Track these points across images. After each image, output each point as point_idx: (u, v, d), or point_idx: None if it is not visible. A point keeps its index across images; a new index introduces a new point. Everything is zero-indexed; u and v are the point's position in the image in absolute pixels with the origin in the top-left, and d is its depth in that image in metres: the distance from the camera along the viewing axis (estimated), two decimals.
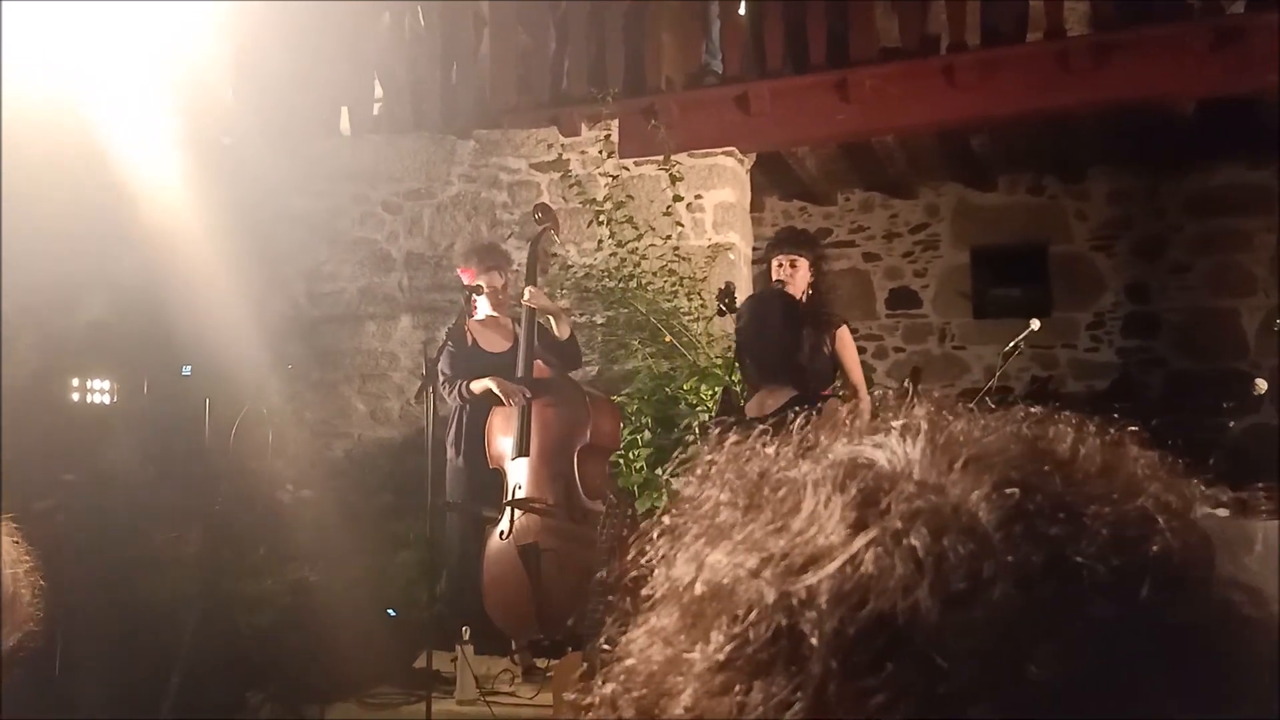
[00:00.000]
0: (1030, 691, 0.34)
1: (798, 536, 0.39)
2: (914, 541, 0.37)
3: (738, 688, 0.37)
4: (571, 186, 6.18)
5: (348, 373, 6.67)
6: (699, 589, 0.40)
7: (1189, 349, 7.29)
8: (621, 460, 5.26)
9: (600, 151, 6.21)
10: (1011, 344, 4.60)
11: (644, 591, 0.43)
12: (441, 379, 4.78)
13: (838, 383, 4.48)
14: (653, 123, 6.03)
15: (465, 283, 5.04)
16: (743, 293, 4.58)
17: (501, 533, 4.69)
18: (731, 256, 6.06)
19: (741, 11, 6.32)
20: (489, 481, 4.83)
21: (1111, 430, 0.44)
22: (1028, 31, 5.91)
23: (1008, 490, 0.38)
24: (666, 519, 0.45)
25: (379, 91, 6.92)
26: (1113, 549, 0.36)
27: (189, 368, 5.68)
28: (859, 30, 5.92)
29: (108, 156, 6.09)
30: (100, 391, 5.57)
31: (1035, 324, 4.67)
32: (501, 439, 4.79)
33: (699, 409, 5.32)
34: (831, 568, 0.37)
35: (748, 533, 0.40)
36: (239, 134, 6.81)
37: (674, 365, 5.70)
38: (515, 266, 5.49)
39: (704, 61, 6.27)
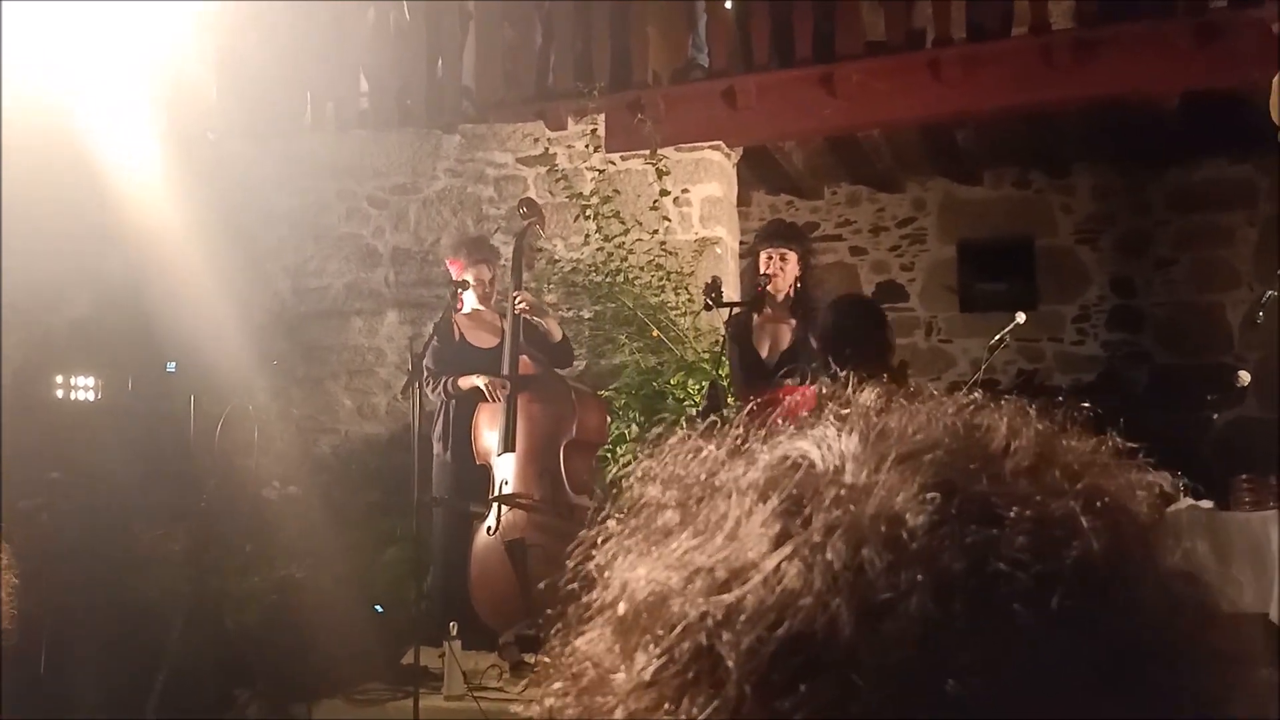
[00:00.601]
0: (948, 706, 0.33)
1: (721, 550, 0.38)
2: (831, 555, 0.36)
3: (665, 708, 0.36)
4: (558, 181, 6.17)
5: (334, 369, 6.65)
6: (623, 607, 0.39)
7: (1174, 343, 7.33)
8: (609, 455, 5.26)
9: (586, 146, 6.20)
10: (997, 337, 4.62)
11: (586, 600, 0.42)
12: (426, 373, 4.77)
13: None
14: (639, 117, 6.02)
15: (453, 276, 5.03)
16: (730, 287, 4.59)
17: (489, 528, 4.68)
18: (719, 251, 6.06)
19: (728, 5, 6.32)
20: (476, 477, 4.82)
21: (1053, 418, 0.43)
22: (1013, 27, 5.93)
23: (929, 495, 0.37)
24: (610, 523, 0.44)
25: (364, 86, 6.89)
26: (1034, 553, 0.35)
27: (174, 364, 5.66)
28: (845, 25, 5.93)
29: (91, 154, 6.05)
30: (85, 389, 5.54)
31: (1021, 317, 4.69)
32: (488, 435, 4.79)
33: (686, 403, 5.32)
34: (749, 585, 0.36)
35: (676, 544, 0.40)
36: (223, 130, 6.78)
37: (661, 360, 5.70)
38: (503, 261, 5.48)
39: (690, 56, 6.27)
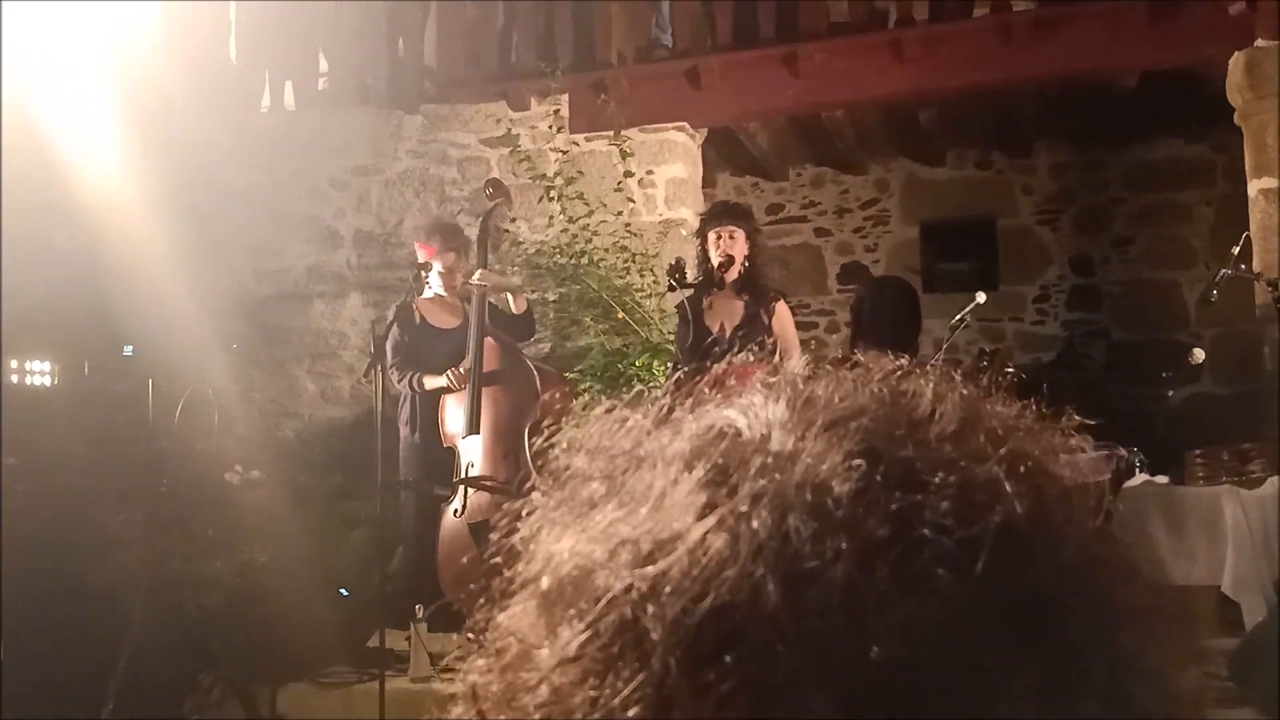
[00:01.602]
0: (872, 673, 0.33)
1: (646, 521, 0.38)
2: (756, 525, 0.36)
3: (590, 682, 0.36)
4: (521, 162, 6.13)
5: (296, 352, 6.59)
6: (546, 581, 0.39)
7: (1131, 320, 7.44)
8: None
9: (550, 126, 6.17)
10: (957, 318, 4.65)
11: (511, 574, 0.42)
12: (390, 362, 4.75)
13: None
14: (602, 98, 6.00)
15: (421, 258, 5.00)
16: (693, 268, 4.58)
17: (455, 510, 4.68)
18: (684, 232, 6.05)
19: None
20: (442, 460, 4.81)
21: (979, 384, 0.43)
22: (974, 6, 5.96)
23: (854, 462, 0.37)
24: (536, 495, 0.43)
25: (324, 65, 6.81)
26: (958, 518, 0.35)
27: (130, 348, 5.58)
28: (808, 4, 5.93)
29: (44, 133, 5.94)
30: (40, 374, 5.45)
31: (981, 297, 4.72)
32: (454, 417, 4.78)
33: (652, 385, 5.33)
34: (674, 556, 0.36)
35: (601, 516, 0.39)
36: (180, 108, 6.67)
37: (627, 342, 5.70)
38: (472, 248, 5.45)
39: (653, 36, 6.24)
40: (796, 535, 0.35)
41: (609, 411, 0.45)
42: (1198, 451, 4.09)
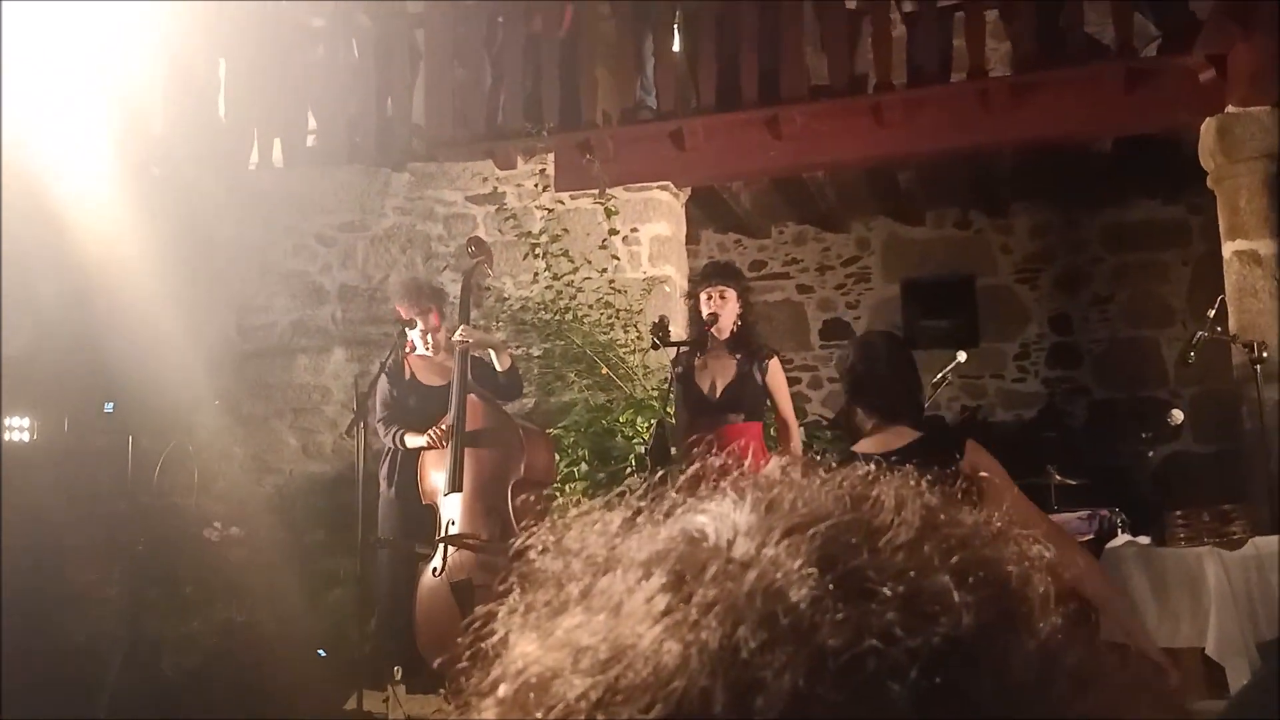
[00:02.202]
0: None
1: (604, 627, 0.39)
2: (705, 634, 0.36)
3: None
4: (507, 219, 6.19)
5: (279, 406, 6.56)
6: (504, 689, 0.40)
7: (1111, 379, 7.50)
8: (558, 494, 5.24)
9: (536, 185, 6.23)
10: (939, 375, 4.70)
11: (482, 674, 0.42)
12: (377, 418, 4.73)
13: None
14: (588, 157, 6.07)
15: (402, 315, 5.00)
16: (678, 325, 4.61)
17: (435, 569, 4.63)
18: (667, 289, 6.10)
19: (675, 49, 6.41)
20: (422, 517, 4.77)
21: (951, 486, 0.44)
22: (951, 72, 6.09)
23: (807, 571, 0.38)
24: (513, 596, 0.44)
25: (313, 123, 6.87)
26: (904, 629, 0.36)
27: (111, 404, 5.55)
28: (790, 69, 6.04)
29: (34, 186, 5.95)
30: (19, 429, 5.42)
31: (962, 356, 4.78)
32: (435, 474, 4.75)
33: (635, 441, 5.33)
34: (625, 663, 0.37)
35: (566, 621, 0.40)
36: (169, 164, 6.71)
37: (611, 397, 5.71)
38: (451, 300, 5.47)
39: (638, 97, 6.34)
40: (745, 645, 0.36)
41: (585, 513, 0.46)
42: (1179, 512, 4.11)
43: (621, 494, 0.47)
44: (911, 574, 0.38)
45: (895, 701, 0.35)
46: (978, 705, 0.36)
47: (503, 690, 0.40)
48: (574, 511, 0.47)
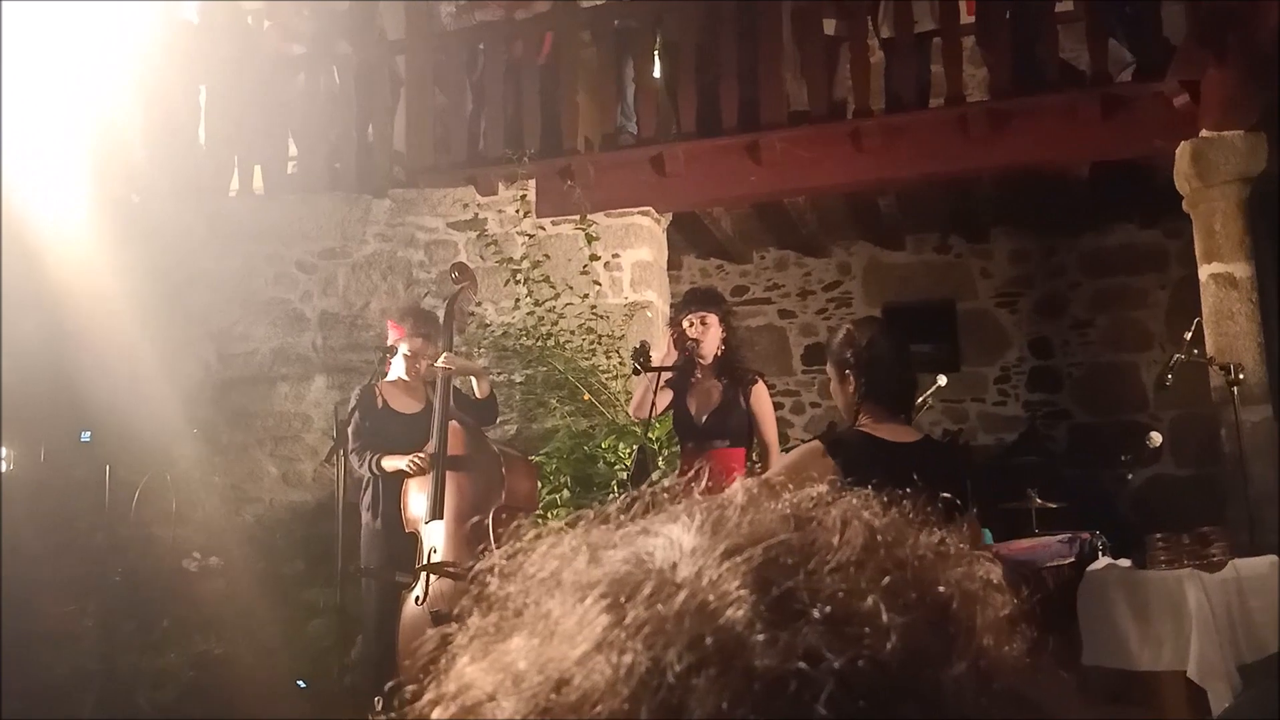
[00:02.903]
0: None
1: (540, 650, 0.39)
2: (630, 657, 0.37)
3: None
4: (488, 246, 6.18)
5: (259, 435, 6.52)
6: (438, 712, 0.40)
7: (1091, 402, 7.54)
8: (541, 521, 5.20)
9: (517, 211, 6.24)
10: (920, 399, 4.69)
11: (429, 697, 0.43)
12: (351, 446, 4.70)
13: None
14: (569, 183, 6.09)
15: (390, 338, 4.99)
16: (658, 351, 4.61)
17: (417, 598, 4.59)
18: (649, 315, 6.11)
19: (656, 75, 6.45)
20: (404, 545, 4.74)
21: (901, 508, 0.44)
22: (930, 98, 6.14)
23: (741, 592, 0.38)
24: (473, 619, 0.45)
25: (293, 150, 6.87)
26: (834, 650, 0.36)
27: (89, 433, 5.50)
28: (769, 95, 6.08)
29: (12, 216, 5.92)
30: None
31: (942, 380, 4.79)
32: (416, 502, 4.72)
33: (617, 467, 5.31)
34: (554, 686, 0.37)
35: (507, 644, 0.41)
36: (148, 192, 6.69)
37: (593, 423, 5.70)
38: (439, 338, 5.45)
39: (619, 124, 6.37)
40: (671, 668, 0.36)
41: (542, 537, 0.46)
42: (1159, 535, 4.12)
43: (577, 519, 0.47)
44: (841, 594, 0.38)
45: (815, 710, 0.35)
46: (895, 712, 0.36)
47: (436, 713, 0.41)
48: (531, 534, 0.47)
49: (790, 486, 0.46)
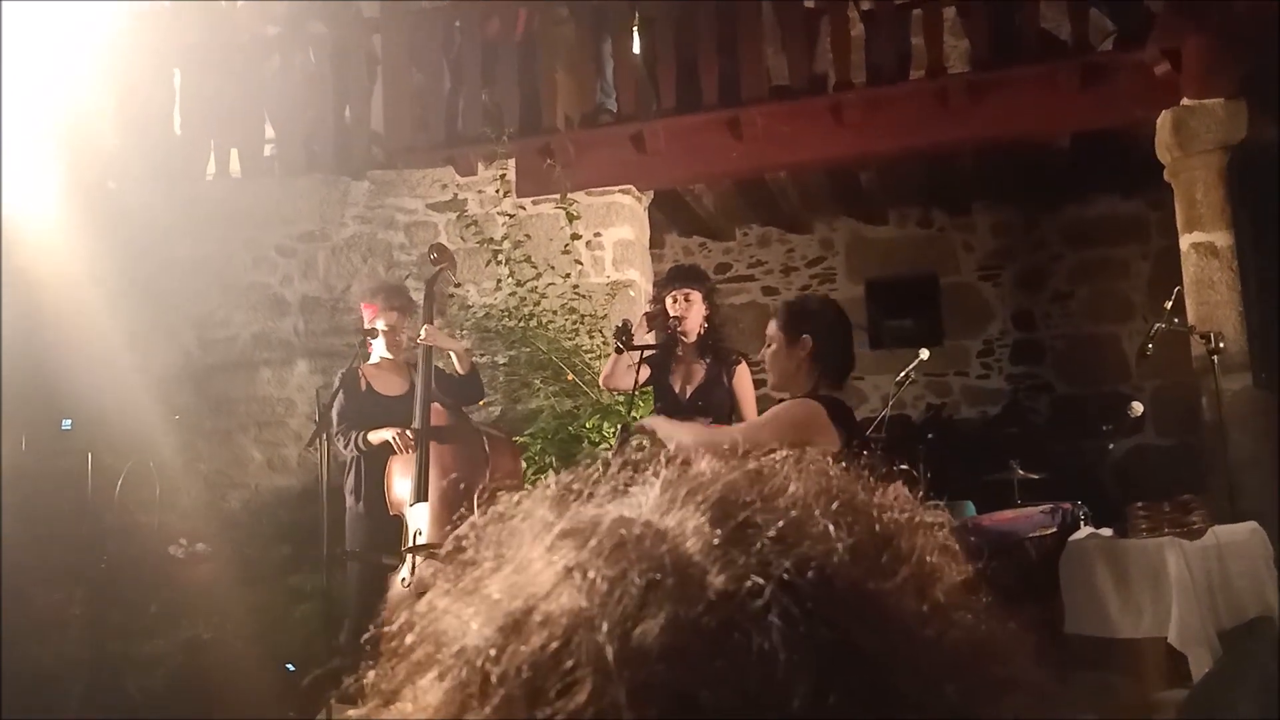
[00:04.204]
0: (695, 714, 0.36)
1: (509, 578, 0.41)
2: (594, 574, 0.39)
3: None
4: (469, 226, 6.15)
5: (243, 421, 6.49)
6: (411, 637, 0.43)
7: (1073, 374, 7.57)
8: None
9: (497, 191, 6.20)
10: (902, 374, 4.71)
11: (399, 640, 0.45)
12: (335, 429, 4.68)
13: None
14: (549, 162, 6.05)
15: (366, 320, 4.97)
16: (640, 330, 4.60)
17: (403, 580, 4.59)
18: (632, 293, 6.09)
19: (635, 51, 6.40)
20: (389, 528, 4.73)
21: (848, 468, 0.47)
22: (910, 71, 6.12)
23: (700, 520, 0.41)
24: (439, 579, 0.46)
25: (270, 133, 6.81)
26: (784, 564, 0.39)
27: (69, 421, 5.47)
28: (749, 69, 6.05)
29: None
30: None
31: (924, 354, 4.80)
32: (400, 484, 4.71)
33: (602, 447, 5.31)
34: (522, 604, 0.39)
35: (475, 576, 0.43)
36: (124, 178, 6.62)
37: (577, 403, 5.69)
38: (417, 310, 5.43)
39: (598, 101, 6.32)
40: (632, 582, 0.38)
41: (515, 502, 0.49)
42: (1140, 504, 4.14)
43: (546, 485, 0.49)
44: (794, 518, 0.41)
45: (767, 628, 0.37)
46: (850, 638, 0.38)
47: (410, 638, 0.43)
48: (504, 500, 0.49)
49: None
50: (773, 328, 3.12)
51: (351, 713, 0.45)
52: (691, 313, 4.44)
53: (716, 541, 0.40)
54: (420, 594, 0.47)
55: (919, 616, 0.40)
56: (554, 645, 0.38)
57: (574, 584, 0.39)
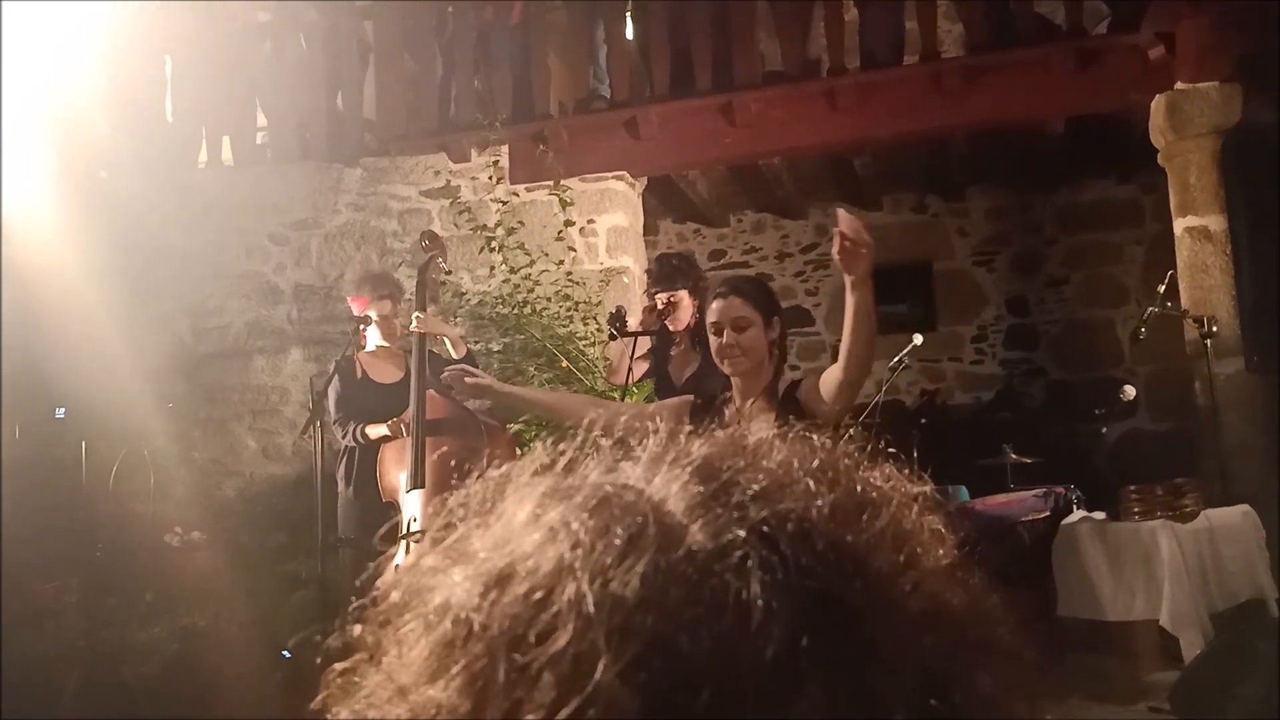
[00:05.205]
0: (678, 661, 0.36)
1: (493, 534, 0.42)
2: (576, 525, 0.40)
3: (428, 677, 0.40)
4: (462, 213, 6.13)
5: (237, 409, 6.49)
6: (396, 595, 0.43)
7: (1067, 359, 7.57)
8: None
9: (490, 177, 6.18)
10: (895, 359, 4.71)
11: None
12: (333, 419, 4.68)
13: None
14: (542, 148, 6.04)
15: (354, 312, 4.96)
16: (635, 316, 4.60)
17: (397, 567, 4.59)
18: (625, 280, 6.09)
19: (629, 37, 6.38)
20: (382, 515, 4.73)
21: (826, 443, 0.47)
22: (904, 55, 6.10)
23: (686, 479, 0.42)
24: (426, 545, 0.47)
25: (262, 120, 6.78)
26: (771, 523, 0.40)
27: (63, 410, 5.46)
28: (743, 54, 6.03)
29: None
30: None
31: (918, 339, 4.80)
32: (395, 472, 4.71)
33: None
34: (503, 559, 0.40)
35: (458, 536, 0.44)
36: (116, 166, 6.60)
37: (572, 390, 5.68)
38: (408, 296, 5.42)
39: (592, 87, 6.30)
40: (615, 534, 0.39)
41: (503, 474, 0.49)
42: (1133, 487, 4.15)
43: (533, 453, 0.50)
44: (776, 474, 0.42)
45: (746, 577, 0.37)
46: (824, 581, 0.38)
47: (395, 596, 0.43)
48: (494, 473, 0.49)
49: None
50: (742, 306, 2.90)
51: (337, 666, 0.45)
52: (680, 309, 4.44)
53: (698, 499, 0.41)
54: (377, 568, 0.48)
55: (896, 570, 0.41)
56: (537, 595, 0.38)
57: (557, 537, 0.40)
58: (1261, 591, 3.86)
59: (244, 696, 4.50)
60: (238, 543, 5.66)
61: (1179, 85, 5.50)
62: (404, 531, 4.62)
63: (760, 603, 0.37)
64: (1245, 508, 4.08)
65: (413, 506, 4.64)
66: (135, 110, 6.61)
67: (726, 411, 2.89)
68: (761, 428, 0.49)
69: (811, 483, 0.42)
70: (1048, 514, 4.14)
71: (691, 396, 3.01)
